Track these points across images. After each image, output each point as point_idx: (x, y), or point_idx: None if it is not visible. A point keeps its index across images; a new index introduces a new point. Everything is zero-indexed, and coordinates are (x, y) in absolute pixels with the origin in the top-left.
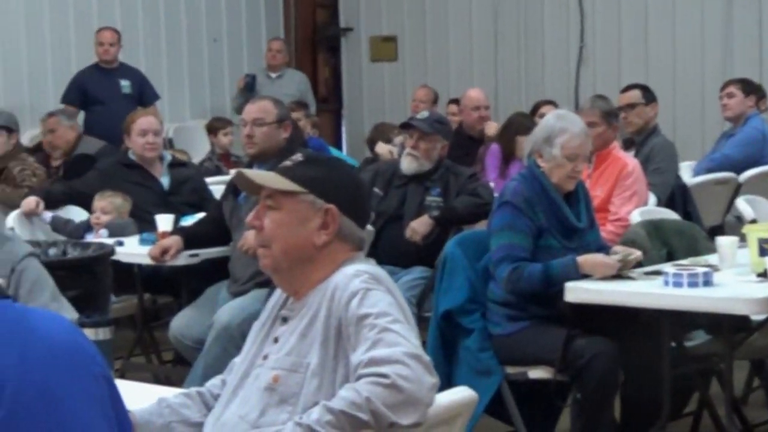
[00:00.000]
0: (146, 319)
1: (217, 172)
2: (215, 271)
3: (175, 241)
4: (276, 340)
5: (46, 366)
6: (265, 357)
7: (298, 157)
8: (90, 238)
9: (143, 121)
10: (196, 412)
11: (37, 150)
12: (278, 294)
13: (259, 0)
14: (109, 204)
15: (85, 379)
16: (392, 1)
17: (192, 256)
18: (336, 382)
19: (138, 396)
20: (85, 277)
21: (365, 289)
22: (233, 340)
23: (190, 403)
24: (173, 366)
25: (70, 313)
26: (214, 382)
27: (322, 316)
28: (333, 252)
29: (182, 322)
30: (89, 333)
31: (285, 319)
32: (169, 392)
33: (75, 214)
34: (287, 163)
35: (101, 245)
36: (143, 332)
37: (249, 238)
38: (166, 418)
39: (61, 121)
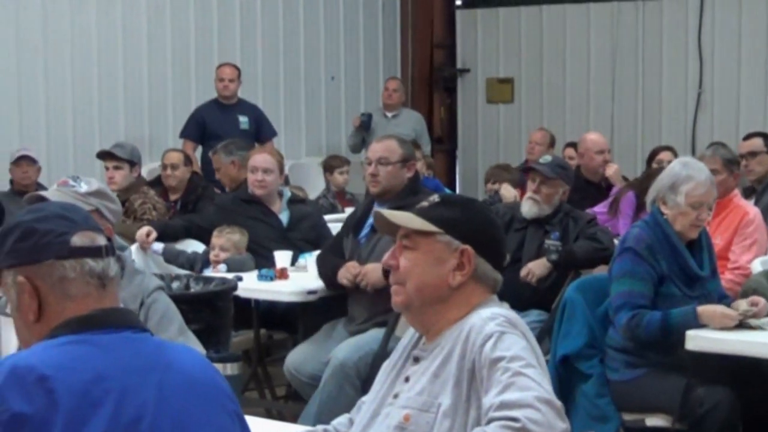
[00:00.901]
0: (260, 354)
1: (332, 209)
2: (330, 309)
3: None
4: (407, 380)
5: (182, 399)
6: (396, 396)
7: (434, 197)
8: (208, 273)
9: (256, 158)
10: None
11: (156, 183)
12: (411, 333)
13: (377, 39)
14: (227, 241)
15: (220, 415)
16: (509, 44)
17: (310, 293)
18: (467, 424)
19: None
20: (207, 312)
21: (500, 332)
22: (349, 378)
23: None
24: (286, 401)
25: (197, 348)
26: (341, 420)
27: (455, 358)
28: (467, 293)
29: (298, 358)
30: (218, 368)
31: (417, 359)
32: (283, 428)
33: (194, 247)
34: (424, 203)
35: (223, 280)
36: (257, 367)
37: (368, 273)
38: None
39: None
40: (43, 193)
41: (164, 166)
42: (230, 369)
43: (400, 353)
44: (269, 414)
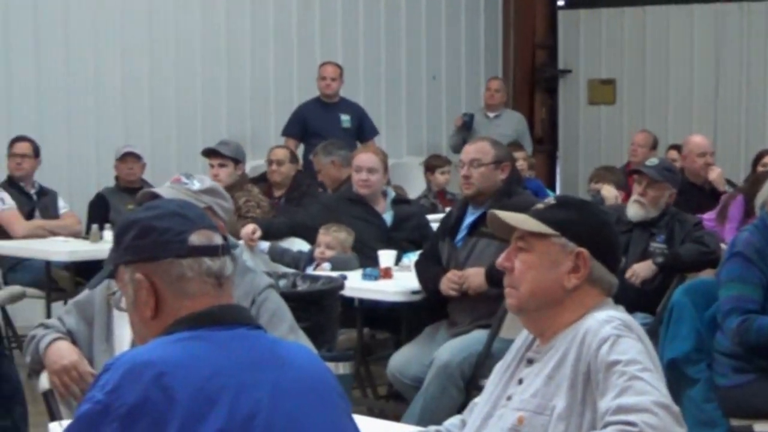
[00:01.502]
0: (363, 353)
1: (434, 209)
2: (433, 309)
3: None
4: (521, 382)
5: (296, 397)
6: (509, 398)
7: (550, 199)
8: (310, 270)
9: (360, 157)
10: None
11: (258, 181)
12: (524, 335)
13: (479, 39)
14: (334, 239)
15: (334, 413)
16: (612, 45)
17: (414, 293)
18: (582, 427)
19: None
20: (314, 310)
21: (616, 335)
22: (452, 378)
23: None
24: (387, 401)
25: (308, 346)
26: (453, 422)
27: (570, 360)
28: (582, 296)
29: (401, 360)
30: (330, 367)
31: (530, 361)
32: (391, 428)
33: (298, 245)
34: (539, 205)
35: (330, 279)
36: (360, 366)
37: (470, 277)
38: None
39: None
40: (156, 190)
41: (270, 162)
42: (342, 368)
43: (513, 355)
44: (371, 413)
